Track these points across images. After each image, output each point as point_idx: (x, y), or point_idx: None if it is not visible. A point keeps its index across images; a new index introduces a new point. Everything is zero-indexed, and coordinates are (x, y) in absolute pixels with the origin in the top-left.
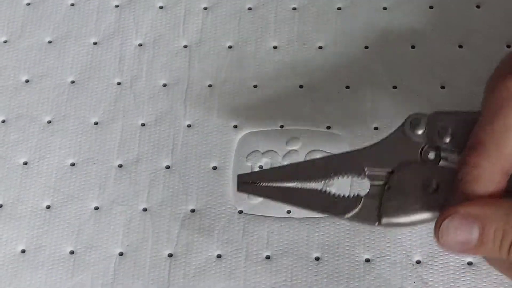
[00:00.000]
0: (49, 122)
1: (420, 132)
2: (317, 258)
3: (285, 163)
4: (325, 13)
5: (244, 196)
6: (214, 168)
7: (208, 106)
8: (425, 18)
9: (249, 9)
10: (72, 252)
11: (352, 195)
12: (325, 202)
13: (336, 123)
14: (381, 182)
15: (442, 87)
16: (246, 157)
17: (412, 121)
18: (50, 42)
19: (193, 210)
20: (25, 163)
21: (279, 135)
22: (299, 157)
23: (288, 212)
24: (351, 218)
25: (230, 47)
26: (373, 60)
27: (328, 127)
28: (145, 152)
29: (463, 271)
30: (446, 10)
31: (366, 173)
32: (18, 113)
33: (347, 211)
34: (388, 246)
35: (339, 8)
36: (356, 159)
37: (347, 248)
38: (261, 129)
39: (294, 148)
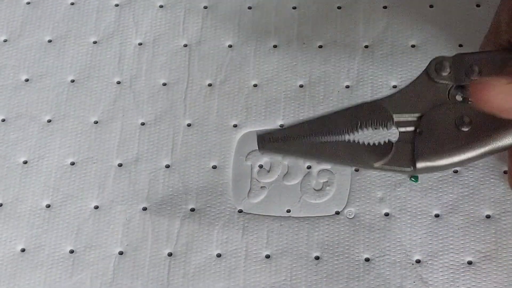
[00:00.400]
0: (49, 121)
1: (445, 73)
2: (317, 258)
3: (285, 162)
4: (325, 12)
5: (244, 195)
6: (214, 167)
7: (208, 105)
8: (425, 17)
9: (249, 8)
10: (71, 251)
11: (382, 143)
12: (354, 152)
13: None
14: (411, 128)
15: None
16: (246, 156)
17: (437, 64)
18: (50, 41)
19: (192, 209)
20: (25, 162)
21: None
22: None
23: (288, 211)
24: (384, 166)
25: (230, 46)
26: (373, 60)
27: None
28: (144, 151)
29: (462, 270)
30: (446, 9)
31: (394, 120)
32: (17, 112)
33: (379, 159)
34: (388, 246)
35: (339, 7)
36: (383, 106)
37: (346, 247)
38: (261, 128)
39: None
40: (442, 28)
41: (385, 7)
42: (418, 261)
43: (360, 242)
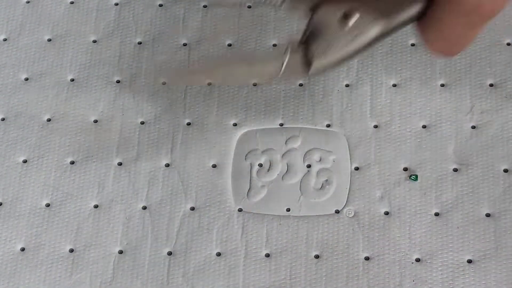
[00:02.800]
0: (49, 120)
1: None
2: (316, 256)
3: (285, 161)
4: None
5: (243, 194)
6: (214, 166)
7: (207, 104)
8: None
9: (249, 7)
10: (71, 251)
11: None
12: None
13: (336, 121)
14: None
15: (442, 85)
16: (246, 155)
17: None
18: (49, 40)
19: (192, 208)
20: (25, 161)
21: (278, 133)
22: (299, 155)
23: (288, 210)
24: (283, 72)
25: (229, 45)
26: (373, 58)
27: (328, 125)
28: (144, 150)
29: (462, 269)
30: None
31: None
32: (17, 111)
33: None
34: (387, 244)
35: None
36: None
37: (346, 246)
38: (261, 127)
39: (293, 146)
40: None
41: None
42: (417, 260)
43: (360, 241)
